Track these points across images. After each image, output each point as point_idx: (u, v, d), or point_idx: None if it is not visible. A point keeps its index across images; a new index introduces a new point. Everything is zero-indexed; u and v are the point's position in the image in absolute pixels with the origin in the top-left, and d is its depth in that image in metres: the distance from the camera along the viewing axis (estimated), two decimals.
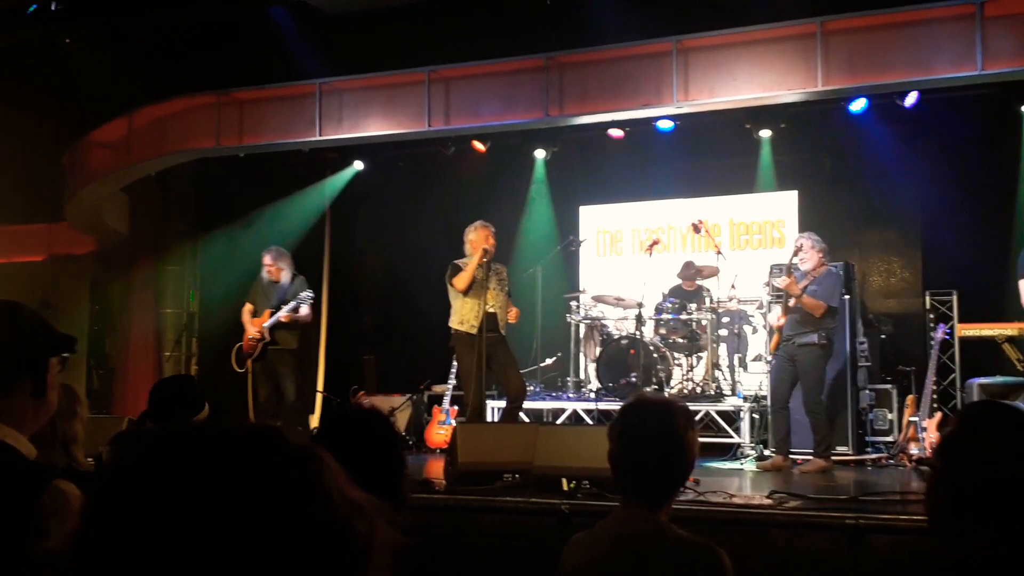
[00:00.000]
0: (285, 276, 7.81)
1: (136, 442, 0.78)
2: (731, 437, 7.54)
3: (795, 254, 6.87)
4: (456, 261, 6.95)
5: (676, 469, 2.24)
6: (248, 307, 7.86)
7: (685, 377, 8.21)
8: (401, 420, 8.49)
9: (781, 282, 6.81)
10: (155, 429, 0.82)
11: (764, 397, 7.57)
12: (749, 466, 6.94)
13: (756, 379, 8.22)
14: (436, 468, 6.31)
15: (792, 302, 6.78)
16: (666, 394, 7.90)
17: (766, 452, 7.20)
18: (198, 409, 3.59)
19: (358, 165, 9.86)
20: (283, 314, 7.57)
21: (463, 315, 6.85)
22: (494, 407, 7.92)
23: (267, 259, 7.80)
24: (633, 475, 2.23)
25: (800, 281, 6.77)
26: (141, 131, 9.16)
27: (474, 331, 6.75)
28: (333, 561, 0.75)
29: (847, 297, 7.44)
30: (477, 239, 6.87)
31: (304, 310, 7.65)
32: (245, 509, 0.73)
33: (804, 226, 8.50)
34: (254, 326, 7.71)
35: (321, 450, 0.81)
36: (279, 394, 7.63)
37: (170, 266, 10.13)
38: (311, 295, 7.67)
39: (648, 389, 7.68)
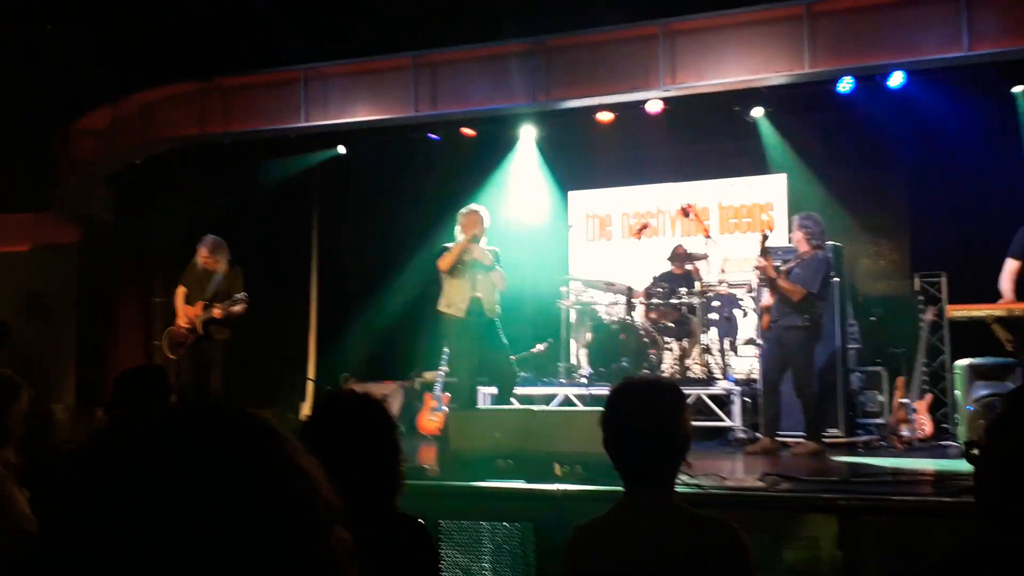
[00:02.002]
0: (222, 268, 7.63)
1: (106, 434, 0.79)
2: (723, 421, 7.55)
3: (763, 240, 6.84)
4: (447, 244, 6.92)
5: (672, 447, 2.24)
6: (181, 290, 7.69)
7: (676, 361, 8.23)
8: (393, 407, 8.41)
9: (758, 264, 6.81)
10: (121, 420, 0.82)
11: (755, 380, 7.57)
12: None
13: (747, 363, 8.25)
14: (429, 455, 6.29)
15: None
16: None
17: (757, 435, 7.21)
18: (165, 398, 3.56)
19: (341, 149, 9.83)
20: (217, 311, 7.40)
21: (450, 298, 6.82)
22: (486, 393, 7.92)
23: (203, 250, 7.58)
24: (632, 460, 2.23)
25: (776, 263, 6.76)
26: (126, 119, 9.09)
27: (461, 315, 6.73)
28: (308, 540, 0.77)
29: (836, 280, 7.44)
30: (467, 223, 6.84)
31: (237, 308, 7.42)
32: (225, 493, 0.74)
33: (793, 209, 8.52)
34: (186, 315, 7.56)
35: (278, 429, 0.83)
36: (204, 383, 7.42)
37: (157, 255, 10.07)
38: (244, 297, 7.41)
39: (639, 374, 7.69)
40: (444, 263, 6.79)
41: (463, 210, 6.97)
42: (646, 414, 2.20)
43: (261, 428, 0.81)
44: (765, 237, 6.88)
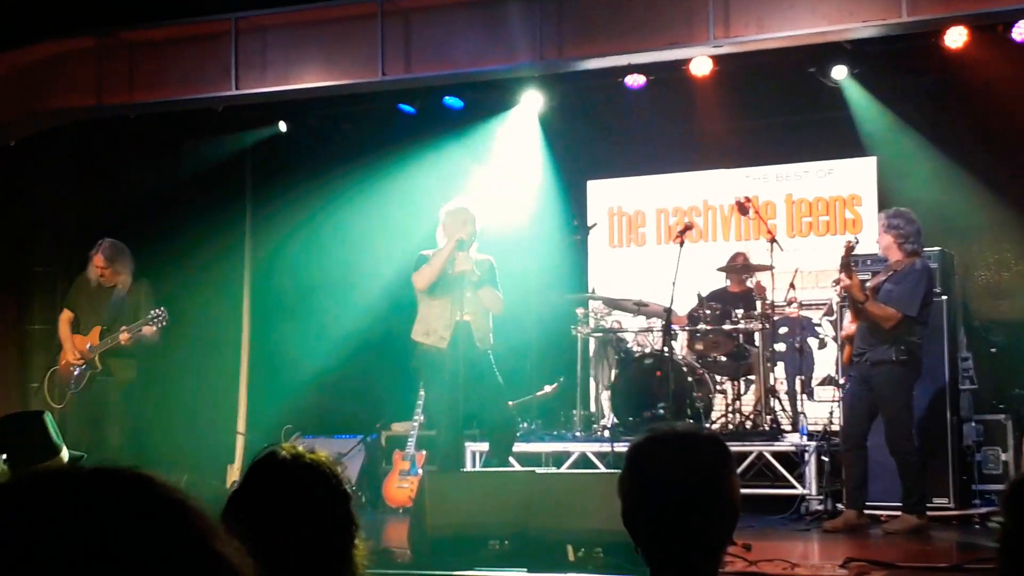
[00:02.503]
0: (123, 282, 7.66)
1: None
2: (793, 487, 7.57)
3: (848, 252, 6.84)
4: (424, 252, 6.96)
5: (715, 522, 2.23)
6: (67, 315, 7.73)
7: (730, 408, 8.23)
8: (351, 470, 8.50)
9: (841, 281, 6.85)
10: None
11: (836, 433, 7.59)
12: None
13: (825, 409, 8.23)
14: (398, 533, 6.29)
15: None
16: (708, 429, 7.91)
17: (839, 506, 7.23)
18: (52, 453, 3.60)
19: (282, 126, 9.89)
20: (124, 336, 7.39)
21: (429, 324, 6.85)
22: (475, 451, 7.92)
23: (99, 260, 7.58)
24: (657, 542, 2.22)
25: (863, 278, 6.79)
26: None
27: (443, 345, 6.74)
28: None
29: (944, 298, 7.46)
30: (452, 223, 6.87)
31: (150, 329, 7.43)
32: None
33: (886, 203, 8.54)
34: (78, 347, 7.56)
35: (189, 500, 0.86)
36: (98, 437, 7.42)
37: (38, 267, 10.09)
38: (163, 314, 7.42)
39: (680, 424, 7.70)
40: (421, 279, 6.82)
41: (447, 207, 7.00)
42: (679, 477, 2.20)
43: (167, 501, 0.83)
44: (851, 247, 6.86)
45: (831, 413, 7.97)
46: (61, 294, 8.30)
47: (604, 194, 10.32)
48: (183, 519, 0.83)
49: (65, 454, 3.66)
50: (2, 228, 10.01)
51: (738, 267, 8.63)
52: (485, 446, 7.36)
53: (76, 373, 7.55)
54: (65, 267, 9.70)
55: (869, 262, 7.51)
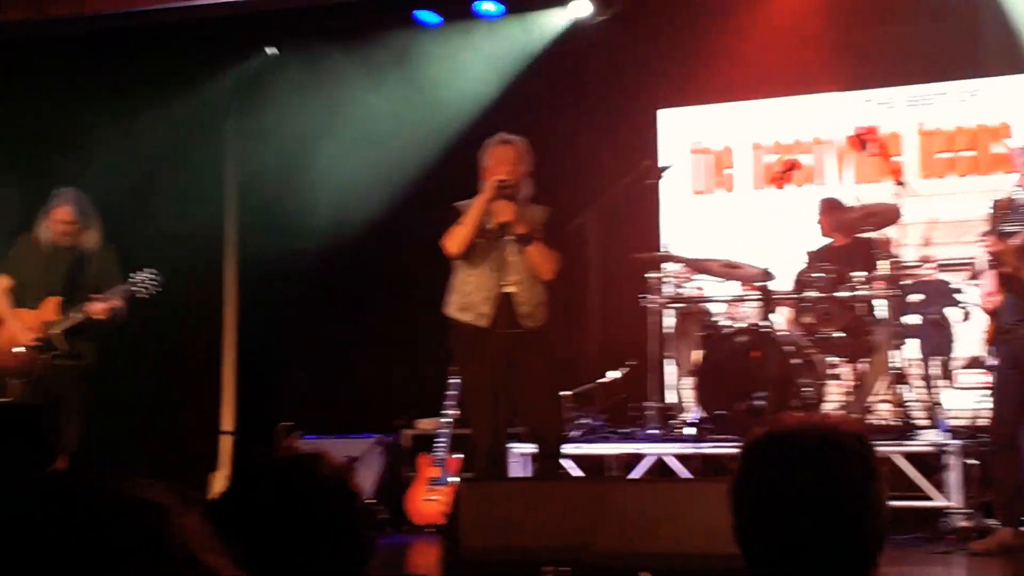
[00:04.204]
0: (90, 241, 7.70)
1: None
2: (930, 499, 7.51)
3: (1004, 207, 6.78)
4: (457, 203, 6.95)
5: (856, 547, 2.23)
6: (3, 283, 7.68)
7: (848, 397, 8.18)
8: (366, 477, 8.50)
9: (989, 243, 6.85)
10: None
11: (985, 429, 7.53)
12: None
13: (971, 399, 8.20)
14: (427, 558, 6.29)
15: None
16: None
17: (990, 522, 7.17)
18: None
19: (271, 50, 9.88)
20: (98, 307, 7.43)
21: (467, 296, 6.87)
22: (520, 453, 7.89)
23: (64, 212, 7.61)
24: (785, 566, 2.19)
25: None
26: None
27: (484, 323, 6.77)
28: None
29: None
30: (495, 162, 6.86)
31: (126, 295, 7.55)
32: None
33: None
34: (27, 323, 7.54)
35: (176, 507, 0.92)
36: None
37: None
38: (151, 279, 7.52)
39: (786, 417, 7.62)
40: (452, 242, 6.83)
41: (489, 141, 6.99)
42: (813, 486, 2.18)
43: (142, 513, 0.89)
44: (1006, 206, 6.81)
45: (978, 405, 7.94)
46: None
47: (680, 126, 10.26)
48: (159, 533, 0.88)
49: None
50: None
51: (852, 217, 8.48)
52: (534, 447, 7.37)
53: (25, 357, 7.50)
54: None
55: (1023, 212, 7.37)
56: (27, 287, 7.67)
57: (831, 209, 8.57)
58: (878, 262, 8.26)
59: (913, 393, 8.24)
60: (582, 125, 9.91)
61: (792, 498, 2.18)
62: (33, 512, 0.88)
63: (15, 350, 7.53)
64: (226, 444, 9.85)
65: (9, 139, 9.84)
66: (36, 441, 3.84)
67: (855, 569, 2.23)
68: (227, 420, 10.22)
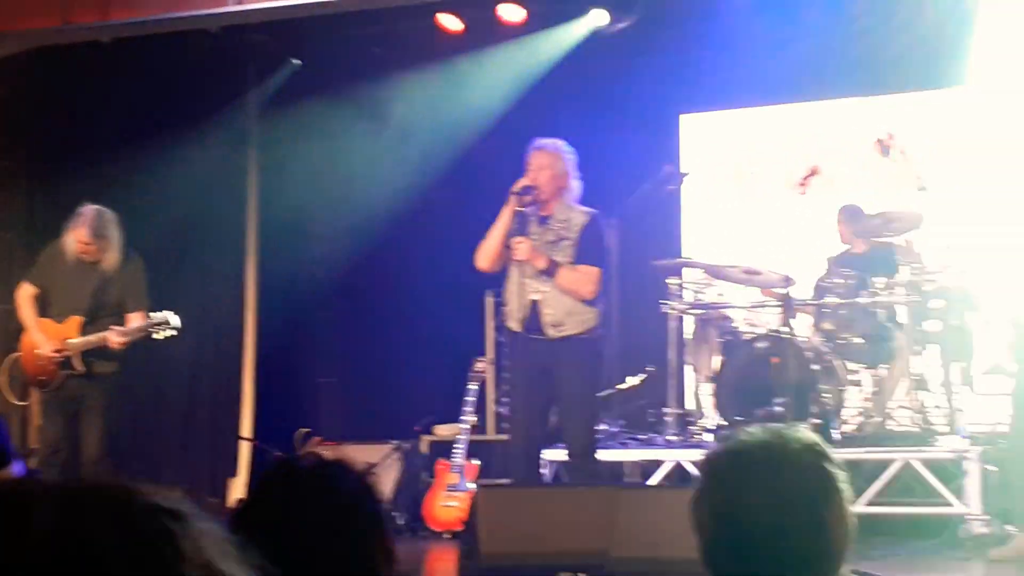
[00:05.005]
0: (110, 261, 7.55)
1: None
2: (949, 505, 7.51)
3: None
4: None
5: (818, 559, 2.24)
6: (30, 291, 7.62)
7: (868, 404, 8.18)
8: (384, 483, 8.48)
9: None
10: None
11: (1005, 435, 7.49)
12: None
13: (992, 405, 8.17)
14: (444, 563, 6.29)
15: None
16: (838, 432, 7.89)
17: (1009, 528, 7.12)
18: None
19: (296, 63, 9.95)
20: (114, 340, 7.36)
21: (507, 302, 7.03)
22: (550, 460, 7.88)
23: (82, 233, 7.44)
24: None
25: None
26: None
27: (519, 328, 6.91)
28: None
29: None
30: (528, 171, 6.94)
31: (161, 334, 7.50)
32: None
33: None
34: (50, 339, 7.47)
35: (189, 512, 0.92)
36: (73, 442, 7.47)
37: None
38: (168, 322, 7.44)
39: (804, 425, 7.63)
40: (480, 255, 6.97)
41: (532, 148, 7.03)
42: (769, 501, 2.19)
43: (157, 519, 0.88)
44: None
45: (999, 412, 7.88)
46: (19, 262, 8.26)
47: (700, 131, 10.28)
48: (176, 544, 0.88)
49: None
50: None
51: (875, 224, 8.48)
52: (562, 454, 7.40)
53: (51, 367, 7.48)
54: (26, 227, 9.77)
55: None
56: (51, 296, 7.64)
57: (850, 218, 8.56)
58: (899, 267, 8.28)
59: (933, 399, 8.25)
60: (603, 132, 9.89)
61: (750, 514, 2.20)
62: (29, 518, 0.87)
63: (40, 361, 7.54)
64: (245, 450, 9.86)
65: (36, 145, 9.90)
66: None
67: None
68: (246, 426, 10.23)
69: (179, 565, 0.87)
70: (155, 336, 7.47)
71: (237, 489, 9.34)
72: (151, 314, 7.47)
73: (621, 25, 9.44)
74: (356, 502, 2.16)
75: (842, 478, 2.30)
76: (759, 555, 2.20)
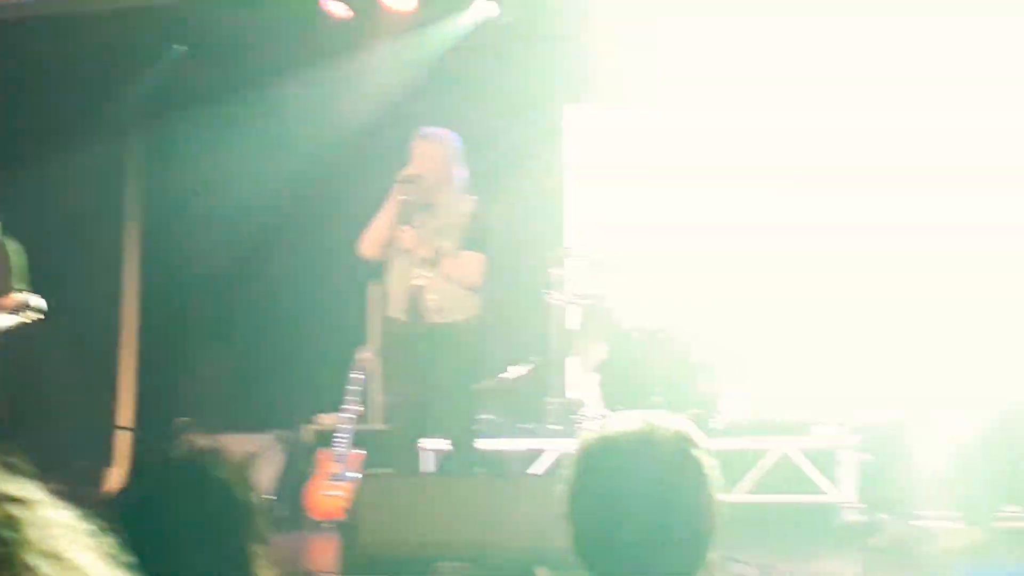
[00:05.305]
0: None
1: None
2: (824, 494, 7.67)
3: None
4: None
5: (686, 544, 2.29)
6: None
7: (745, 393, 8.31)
8: (265, 473, 8.49)
9: None
10: None
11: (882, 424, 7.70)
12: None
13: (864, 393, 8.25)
14: (325, 553, 6.25)
15: None
16: (717, 422, 7.96)
17: (884, 516, 7.28)
18: None
19: (180, 49, 9.88)
20: None
21: (388, 289, 7.04)
22: (431, 450, 7.87)
23: None
24: (614, 566, 2.25)
25: None
26: None
27: (403, 316, 6.90)
28: None
29: None
30: (411, 160, 6.98)
31: (22, 314, 7.51)
32: None
33: None
34: None
35: None
36: None
37: None
38: (31, 304, 7.48)
39: (683, 415, 7.70)
40: (363, 243, 6.98)
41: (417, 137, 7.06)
42: (636, 488, 2.24)
43: (4, 508, 0.89)
44: None
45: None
46: None
47: (587, 123, 10.26)
48: (15, 530, 0.88)
49: None
50: None
51: None
52: (445, 444, 7.42)
53: None
54: None
55: None
56: None
57: None
58: None
59: (809, 388, 8.40)
60: (488, 120, 9.91)
61: (620, 502, 2.24)
62: None
63: None
64: (123, 440, 9.73)
65: None
66: None
67: (686, 566, 2.28)
68: (126, 415, 10.11)
69: (21, 553, 0.85)
70: (21, 319, 7.41)
71: (114, 479, 9.21)
72: (13, 295, 7.40)
73: (508, 19, 9.44)
74: (229, 492, 2.15)
75: (711, 466, 2.34)
76: (628, 542, 2.22)
